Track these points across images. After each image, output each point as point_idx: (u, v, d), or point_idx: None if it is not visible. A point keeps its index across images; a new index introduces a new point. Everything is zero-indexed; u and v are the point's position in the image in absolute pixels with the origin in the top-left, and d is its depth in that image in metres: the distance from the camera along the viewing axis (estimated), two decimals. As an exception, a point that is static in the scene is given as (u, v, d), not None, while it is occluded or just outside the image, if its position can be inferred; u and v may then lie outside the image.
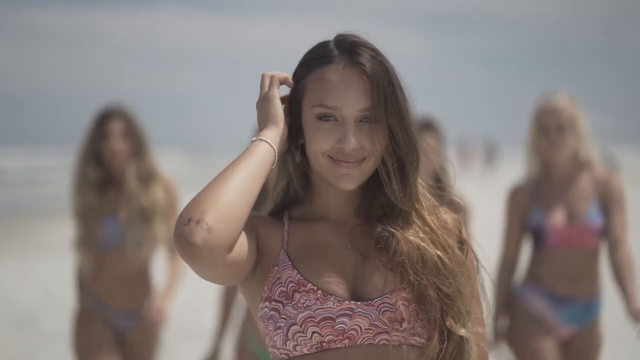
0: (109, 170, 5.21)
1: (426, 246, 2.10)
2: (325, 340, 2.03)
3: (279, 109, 2.13)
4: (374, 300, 2.06)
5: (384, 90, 2.08)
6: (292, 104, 2.15)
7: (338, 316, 2.03)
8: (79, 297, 5.24)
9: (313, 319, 2.03)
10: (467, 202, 5.34)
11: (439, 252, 2.10)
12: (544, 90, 5.07)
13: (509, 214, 4.94)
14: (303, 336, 2.03)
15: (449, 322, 2.06)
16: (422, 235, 2.12)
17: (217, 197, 1.97)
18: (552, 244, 4.79)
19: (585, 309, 4.83)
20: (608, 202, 4.83)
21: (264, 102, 2.14)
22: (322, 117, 2.09)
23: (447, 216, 2.20)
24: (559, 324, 4.81)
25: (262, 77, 2.16)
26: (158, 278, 5.47)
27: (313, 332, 2.03)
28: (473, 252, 2.19)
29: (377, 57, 2.11)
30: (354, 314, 2.04)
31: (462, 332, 2.08)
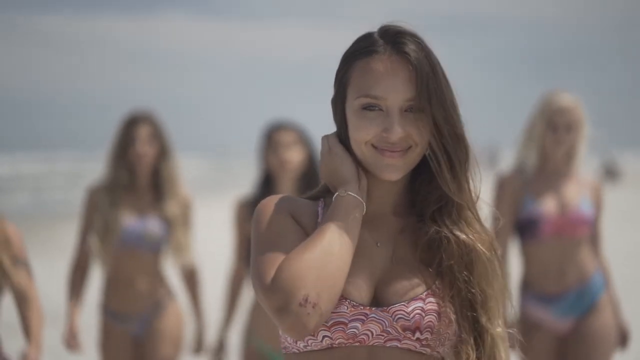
0: (135, 173, 5.30)
1: (475, 246, 2.08)
2: (336, 343, 2.03)
3: (352, 162, 2.11)
4: (390, 307, 2.03)
5: (428, 80, 2.05)
6: (337, 95, 2.14)
7: (350, 321, 2.02)
8: (101, 315, 5.31)
9: (325, 324, 2.01)
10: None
11: (486, 252, 2.09)
12: (549, 89, 5.14)
13: (500, 204, 4.84)
14: (314, 339, 2.04)
15: (484, 321, 2.06)
16: (474, 235, 2.10)
17: (329, 276, 1.97)
18: (544, 233, 4.85)
19: (579, 297, 4.87)
20: (597, 207, 4.97)
21: (333, 160, 2.12)
22: (367, 107, 2.07)
23: (482, 230, 2.14)
24: (555, 322, 4.87)
25: (322, 140, 2.17)
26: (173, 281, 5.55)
27: (324, 336, 2.03)
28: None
29: (423, 47, 2.08)
30: (367, 319, 2.02)
31: (498, 330, 2.08)
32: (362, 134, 2.07)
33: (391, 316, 2.02)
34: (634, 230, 18.71)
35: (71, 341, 5.23)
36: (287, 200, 2.14)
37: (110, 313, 5.28)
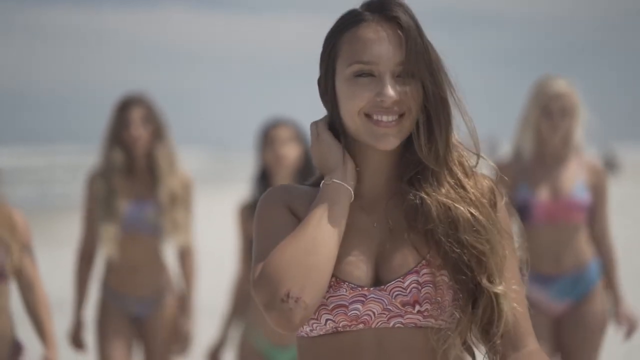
0: (131, 157, 5.29)
1: (457, 205, 2.05)
2: (340, 325, 2.03)
3: (339, 148, 2.10)
4: (387, 285, 2.03)
5: (416, 44, 2.05)
6: (326, 73, 2.11)
7: (351, 303, 2.03)
8: (101, 292, 5.32)
9: (326, 307, 2.03)
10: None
11: (471, 210, 2.05)
12: (545, 75, 5.11)
13: None
14: (317, 322, 2.04)
15: (484, 282, 2.02)
16: (454, 195, 2.06)
17: (312, 269, 1.98)
18: (537, 219, 4.85)
19: (575, 282, 4.87)
20: (596, 191, 4.94)
21: (321, 147, 2.12)
22: (359, 74, 2.05)
23: (484, 181, 2.12)
24: (549, 303, 4.88)
25: (310, 126, 2.16)
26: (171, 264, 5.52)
27: (327, 320, 2.03)
28: (510, 212, 2.15)
29: (409, 13, 2.09)
30: (366, 299, 2.03)
31: (498, 289, 2.03)
32: (355, 101, 2.05)
33: (389, 294, 2.03)
34: (632, 222, 18.73)
35: (76, 340, 5.29)
36: (285, 190, 2.15)
37: (111, 292, 5.28)
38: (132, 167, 5.31)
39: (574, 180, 4.92)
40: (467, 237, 2.03)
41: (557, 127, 4.91)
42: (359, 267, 2.05)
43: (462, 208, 2.05)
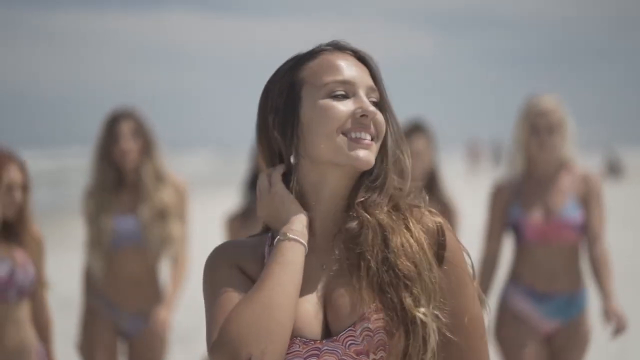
0: (121, 171, 5.29)
1: (393, 226, 2.01)
2: None
3: (294, 201, 2.03)
4: (340, 335, 1.99)
5: (379, 74, 2.08)
6: (286, 109, 2.05)
7: (305, 358, 1.98)
8: (87, 297, 5.31)
9: None
10: (455, 205, 5.46)
11: (407, 236, 2.01)
12: (533, 92, 5.21)
13: (491, 212, 5.08)
14: None
15: (407, 303, 1.96)
16: (393, 218, 2.03)
17: (272, 332, 1.91)
18: (529, 240, 4.93)
19: (567, 303, 4.94)
20: (587, 198, 4.97)
21: (273, 200, 2.04)
22: (334, 95, 2.02)
23: (428, 219, 2.06)
24: (541, 320, 4.94)
25: (259, 178, 2.09)
26: (163, 280, 5.53)
27: None
28: (463, 252, 2.07)
29: (364, 51, 2.10)
30: (321, 353, 1.99)
31: (421, 311, 1.96)
32: (334, 120, 2.00)
33: (342, 344, 1.98)
34: (635, 227, 18.72)
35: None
36: (231, 249, 2.08)
37: (105, 302, 5.28)
38: (122, 181, 5.31)
39: (565, 198, 4.97)
40: (395, 259, 1.98)
41: (544, 143, 4.98)
42: (310, 320, 2.00)
43: (397, 230, 2.01)
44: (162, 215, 5.22)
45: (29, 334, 4.15)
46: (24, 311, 4.13)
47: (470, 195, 18.48)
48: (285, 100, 2.05)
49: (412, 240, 2.00)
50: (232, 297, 1.98)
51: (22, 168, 4.22)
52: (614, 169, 40.02)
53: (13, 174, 4.15)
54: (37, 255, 4.20)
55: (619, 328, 4.85)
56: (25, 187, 4.21)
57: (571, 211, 4.95)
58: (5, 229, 4.17)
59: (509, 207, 5.02)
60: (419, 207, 2.08)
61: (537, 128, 4.99)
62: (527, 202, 4.99)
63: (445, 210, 5.31)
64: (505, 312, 5.01)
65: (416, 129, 5.45)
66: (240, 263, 2.05)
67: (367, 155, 2.01)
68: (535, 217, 4.94)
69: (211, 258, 2.07)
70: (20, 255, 4.13)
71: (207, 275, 2.05)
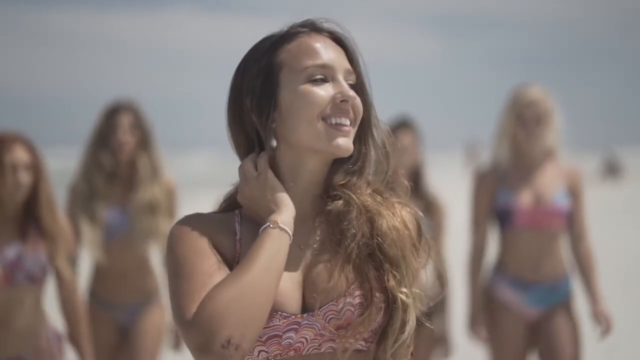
0: (116, 162, 5.27)
1: (379, 209, 2.03)
2: (272, 355, 1.99)
3: (282, 189, 2.02)
4: (321, 310, 1.98)
5: (358, 55, 2.07)
6: (262, 94, 2.03)
7: (285, 332, 1.97)
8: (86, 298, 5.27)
9: (260, 339, 1.97)
10: (440, 202, 5.49)
11: (392, 219, 2.03)
12: (520, 83, 5.21)
13: (476, 199, 5.07)
14: (250, 355, 1.98)
15: (390, 285, 1.99)
16: (378, 201, 2.05)
17: (254, 317, 1.89)
18: (518, 224, 4.92)
19: (551, 290, 4.95)
20: (575, 192, 5.01)
21: (261, 187, 2.03)
22: (314, 79, 2.01)
23: (405, 212, 2.08)
24: (526, 308, 4.95)
25: (244, 164, 2.06)
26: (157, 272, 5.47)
27: (260, 351, 1.98)
28: (429, 246, 2.09)
29: (342, 27, 2.08)
30: (300, 327, 1.98)
31: (403, 291, 1.99)
32: (315, 106, 1.99)
33: (322, 318, 1.98)
34: (633, 226, 18.75)
35: None
36: (204, 221, 2.04)
37: (98, 300, 5.28)
38: (116, 172, 5.29)
39: (554, 186, 4.98)
40: (384, 239, 2.00)
41: (531, 134, 4.98)
42: (290, 296, 1.99)
43: (383, 212, 2.02)
44: (151, 208, 5.21)
45: (40, 319, 4.09)
46: (34, 296, 4.05)
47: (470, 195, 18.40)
48: (263, 82, 2.03)
49: (397, 224, 2.02)
50: (210, 269, 1.94)
51: (30, 148, 4.10)
52: (612, 170, 40.04)
53: (18, 154, 4.05)
54: (60, 245, 4.09)
55: (607, 329, 4.91)
56: (35, 168, 4.09)
57: (561, 198, 4.97)
58: (25, 213, 4.09)
59: (496, 192, 5.00)
60: (401, 201, 2.09)
61: (524, 119, 5.00)
62: (515, 187, 4.98)
63: (430, 207, 5.36)
64: (491, 302, 5.02)
65: (403, 125, 5.47)
66: (212, 235, 2.00)
67: (346, 142, 2.01)
68: (525, 201, 4.94)
69: (182, 226, 2.01)
70: (33, 240, 4.05)
71: (178, 243, 1.99)
